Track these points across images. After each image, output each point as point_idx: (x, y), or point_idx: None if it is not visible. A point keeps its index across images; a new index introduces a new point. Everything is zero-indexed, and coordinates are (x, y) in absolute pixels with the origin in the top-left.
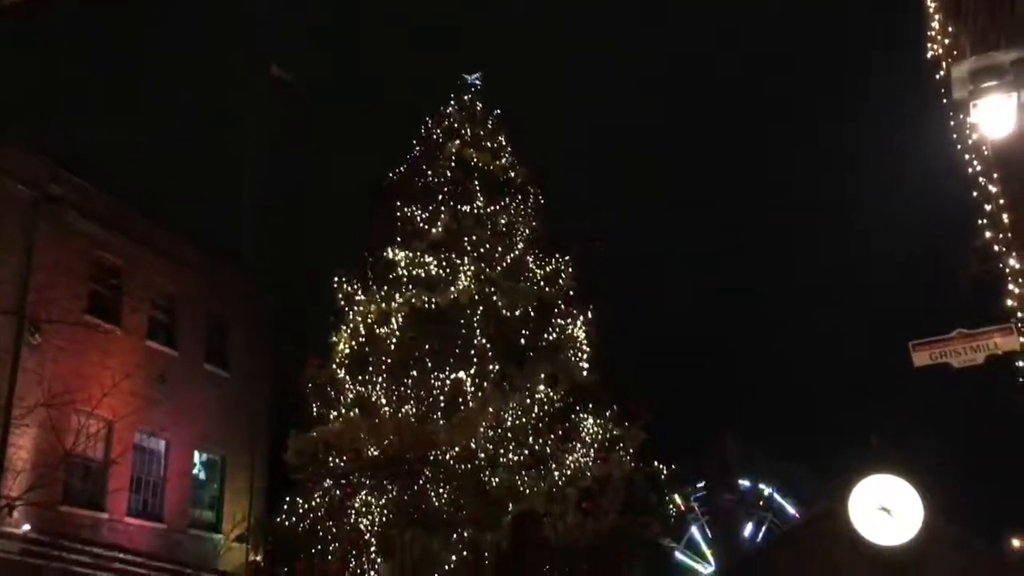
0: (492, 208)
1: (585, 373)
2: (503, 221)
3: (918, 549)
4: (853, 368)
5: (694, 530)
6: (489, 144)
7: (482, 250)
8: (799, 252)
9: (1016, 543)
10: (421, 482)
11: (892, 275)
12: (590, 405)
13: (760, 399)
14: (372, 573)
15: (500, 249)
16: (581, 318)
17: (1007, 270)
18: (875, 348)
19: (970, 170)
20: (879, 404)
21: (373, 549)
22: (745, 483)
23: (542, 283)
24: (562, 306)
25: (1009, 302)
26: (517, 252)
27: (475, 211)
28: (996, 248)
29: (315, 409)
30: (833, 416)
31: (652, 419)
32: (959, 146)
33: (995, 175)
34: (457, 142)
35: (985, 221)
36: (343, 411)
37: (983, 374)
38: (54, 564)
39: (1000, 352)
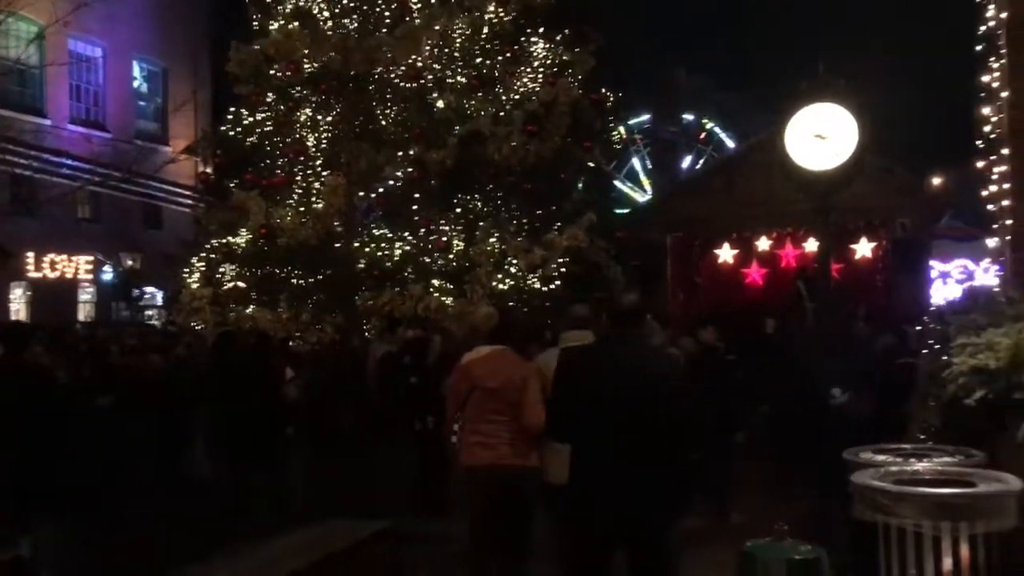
0: None
1: None
2: None
3: (846, 175)
4: None
5: (635, 161)
6: None
7: None
8: None
9: (936, 180)
10: (367, 100)
11: None
12: (541, 28)
13: (714, 27)
14: (317, 184)
15: None
16: None
17: None
18: None
19: None
20: (834, 33)
21: (319, 163)
22: (689, 117)
23: None
24: None
25: None
26: None
27: None
28: None
29: (255, 21)
30: (786, 47)
31: (603, 45)
32: None
33: None
34: None
35: None
36: (282, 23)
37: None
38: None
39: None
